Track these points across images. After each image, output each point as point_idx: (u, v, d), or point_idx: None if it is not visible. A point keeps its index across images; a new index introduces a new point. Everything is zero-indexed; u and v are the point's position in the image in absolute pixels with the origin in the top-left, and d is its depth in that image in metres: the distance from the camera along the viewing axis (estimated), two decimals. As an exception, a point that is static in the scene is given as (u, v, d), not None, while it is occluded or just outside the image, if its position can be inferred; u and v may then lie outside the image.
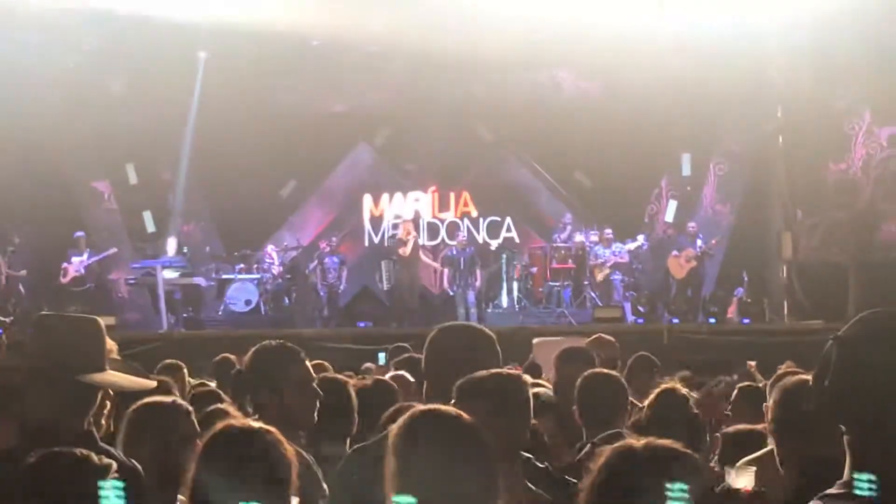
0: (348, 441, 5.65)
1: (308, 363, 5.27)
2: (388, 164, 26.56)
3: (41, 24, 22.49)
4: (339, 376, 6.08)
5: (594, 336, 9.39)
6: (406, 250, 23.14)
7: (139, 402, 4.98)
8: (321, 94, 25.04)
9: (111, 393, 4.99)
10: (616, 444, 3.22)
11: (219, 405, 5.56)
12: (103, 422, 4.82)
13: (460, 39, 22.53)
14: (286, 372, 4.99)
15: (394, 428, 3.39)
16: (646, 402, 6.38)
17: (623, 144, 23.62)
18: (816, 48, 21.67)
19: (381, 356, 12.79)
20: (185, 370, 9.42)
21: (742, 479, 4.17)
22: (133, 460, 4.38)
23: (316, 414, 5.11)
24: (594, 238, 23.71)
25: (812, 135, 22.40)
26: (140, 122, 24.20)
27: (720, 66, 22.21)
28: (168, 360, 9.80)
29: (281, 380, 4.94)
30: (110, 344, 5.48)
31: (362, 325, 23.14)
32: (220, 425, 3.67)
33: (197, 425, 4.82)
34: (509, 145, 26.21)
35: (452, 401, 4.19)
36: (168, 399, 4.87)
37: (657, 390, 6.46)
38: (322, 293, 24.08)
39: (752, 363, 13.99)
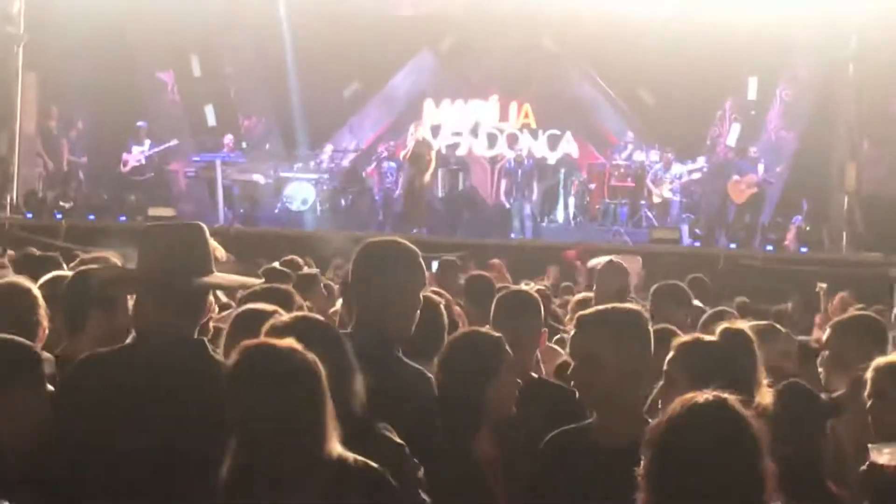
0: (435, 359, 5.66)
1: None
2: (450, 71, 26.39)
3: None
4: (432, 295, 6.02)
5: (606, 259, 9.17)
6: (408, 153, 22.91)
7: (243, 308, 5.01)
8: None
9: (218, 297, 5.06)
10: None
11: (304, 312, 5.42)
12: (210, 326, 4.87)
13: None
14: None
15: None
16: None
17: (689, 64, 23.33)
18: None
19: (434, 265, 12.83)
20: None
21: (886, 454, 4.11)
22: None
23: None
24: (654, 157, 23.57)
25: (884, 66, 22.02)
26: (208, 15, 24.14)
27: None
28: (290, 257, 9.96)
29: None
30: (220, 252, 5.55)
31: (415, 231, 23.13)
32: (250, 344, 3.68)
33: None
34: (574, 58, 25.97)
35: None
36: (269, 308, 4.86)
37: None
38: (378, 197, 24.10)
39: (823, 285, 13.87)
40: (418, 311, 4.70)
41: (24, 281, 5.22)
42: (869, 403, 4.69)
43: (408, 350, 4.73)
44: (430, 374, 4.67)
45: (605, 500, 3.28)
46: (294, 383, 3.53)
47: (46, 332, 5.00)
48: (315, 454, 3.55)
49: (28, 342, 4.01)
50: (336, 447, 3.60)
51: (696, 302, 8.24)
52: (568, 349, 4.46)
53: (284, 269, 9.35)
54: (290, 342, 3.63)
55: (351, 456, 3.64)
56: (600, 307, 4.66)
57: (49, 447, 3.92)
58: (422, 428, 4.33)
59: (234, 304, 6.46)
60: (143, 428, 3.94)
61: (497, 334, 4.94)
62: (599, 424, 4.33)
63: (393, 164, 23.84)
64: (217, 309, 6.38)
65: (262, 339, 3.75)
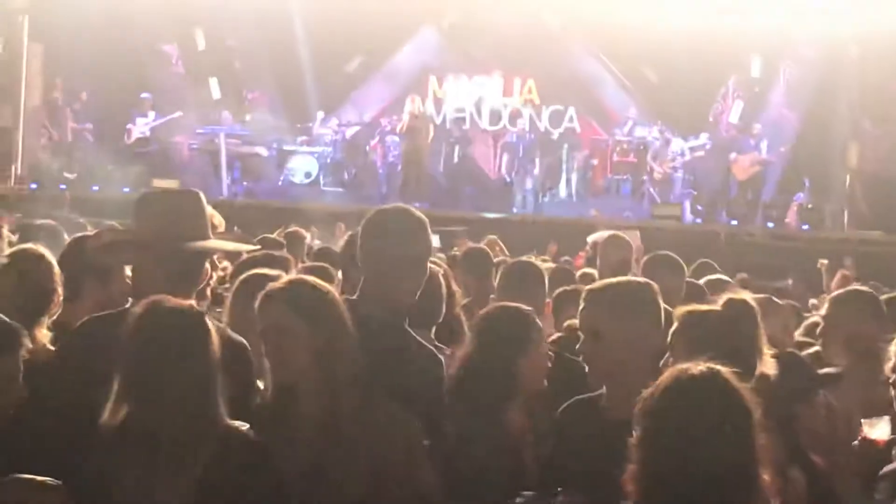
0: (433, 329, 5.68)
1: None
2: (453, 47, 26.38)
3: None
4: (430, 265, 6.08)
5: (609, 233, 9.16)
6: (404, 126, 22.87)
7: (249, 273, 5.05)
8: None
9: (217, 263, 5.11)
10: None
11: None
12: (208, 292, 4.93)
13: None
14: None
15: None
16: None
17: (693, 41, 23.32)
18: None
19: (436, 238, 12.83)
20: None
21: (878, 429, 4.14)
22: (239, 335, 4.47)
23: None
24: (656, 134, 23.60)
25: (887, 46, 22.03)
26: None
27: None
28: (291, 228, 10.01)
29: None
30: (217, 220, 5.59)
31: (417, 205, 23.12)
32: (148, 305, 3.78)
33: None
34: (577, 34, 25.95)
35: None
36: (273, 273, 4.91)
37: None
38: (381, 171, 24.15)
39: (824, 261, 13.91)
40: (423, 281, 4.66)
41: (38, 247, 5.29)
42: (893, 378, 4.66)
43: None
44: (440, 357, 4.65)
45: (612, 471, 3.33)
46: (177, 345, 3.66)
47: (61, 298, 5.07)
48: (193, 419, 3.67)
49: (5, 318, 4.01)
50: (222, 417, 3.71)
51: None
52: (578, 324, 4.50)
53: (278, 238, 9.43)
54: (190, 304, 3.79)
55: (236, 427, 3.75)
56: (607, 281, 4.69)
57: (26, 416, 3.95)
58: (431, 396, 4.36)
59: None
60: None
61: (528, 308, 4.92)
62: (607, 397, 4.38)
63: (396, 139, 23.86)
64: (216, 277, 6.42)
65: (163, 297, 3.82)
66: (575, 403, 4.53)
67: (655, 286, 4.63)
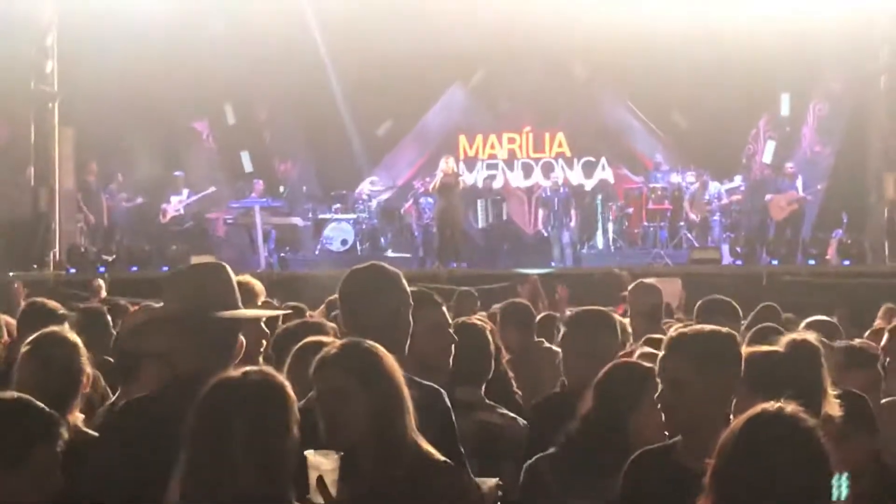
0: (483, 386, 5.65)
1: (444, 308, 5.33)
2: (482, 104, 26.51)
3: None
4: (477, 321, 6.04)
5: (636, 283, 9.08)
6: (436, 185, 22.82)
7: (302, 342, 5.01)
8: (417, 35, 24.93)
9: (265, 331, 5.08)
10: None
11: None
12: (260, 361, 4.90)
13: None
14: (420, 316, 4.95)
15: None
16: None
17: (721, 84, 23.33)
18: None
19: (474, 297, 12.77)
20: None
21: None
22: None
23: (451, 359, 5.17)
24: (690, 178, 23.55)
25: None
26: (239, 63, 24.33)
27: (822, 5, 21.87)
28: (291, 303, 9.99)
29: (415, 324, 4.86)
30: (259, 288, 5.59)
31: (454, 265, 23.04)
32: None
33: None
34: (604, 84, 26.02)
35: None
36: (328, 339, 4.89)
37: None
38: (417, 234, 24.18)
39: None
40: (409, 332, 4.73)
41: (62, 330, 5.29)
42: None
43: (455, 375, 4.76)
44: (440, 389, 4.68)
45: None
46: (257, 417, 3.56)
47: (90, 378, 5.06)
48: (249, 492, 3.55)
49: (43, 406, 3.97)
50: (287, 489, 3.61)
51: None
52: (657, 371, 4.44)
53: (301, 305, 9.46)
54: (268, 371, 3.72)
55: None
56: (691, 329, 4.57)
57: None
58: (442, 441, 4.31)
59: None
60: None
61: (648, 365, 4.82)
62: (683, 445, 4.29)
63: (430, 200, 23.88)
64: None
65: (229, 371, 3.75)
66: (646, 453, 4.44)
67: (738, 337, 4.56)
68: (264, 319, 5.14)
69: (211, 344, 4.32)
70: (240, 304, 4.50)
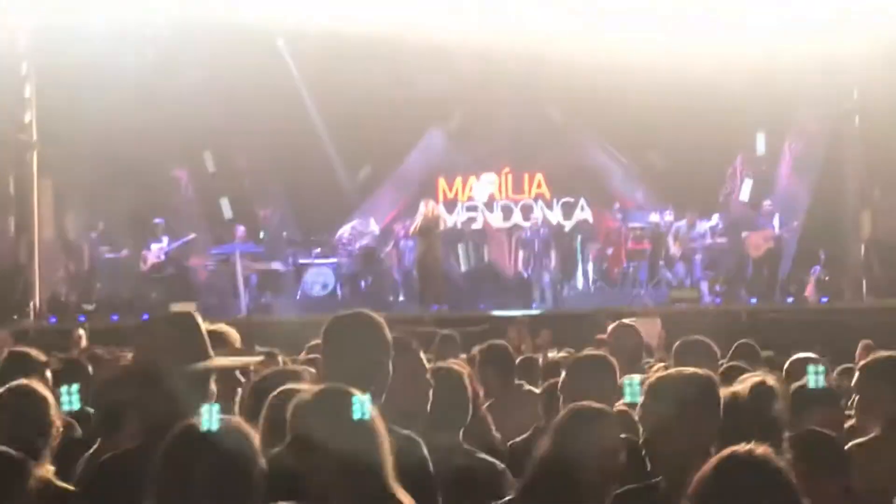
0: (461, 431, 5.67)
1: (421, 353, 5.36)
2: (460, 147, 26.56)
3: (118, 14, 22.69)
4: (454, 365, 6.08)
5: (615, 323, 9.12)
6: (416, 228, 22.89)
7: (278, 390, 5.02)
8: (394, 80, 25.04)
9: (239, 380, 5.11)
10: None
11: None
12: (235, 409, 4.92)
13: (528, 25, 22.59)
14: (397, 362, 4.95)
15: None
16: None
17: (697, 123, 23.42)
18: (892, 30, 21.35)
19: (456, 339, 12.78)
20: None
21: None
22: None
23: (429, 405, 5.21)
24: (668, 218, 23.65)
25: (889, 115, 22.10)
26: (217, 110, 24.39)
27: (795, 45, 22.05)
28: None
29: (393, 371, 4.89)
30: (233, 336, 5.61)
31: (435, 308, 23.08)
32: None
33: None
34: (581, 126, 26.14)
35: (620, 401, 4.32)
36: (305, 386, 4.90)
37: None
38: (397, 277, 24.21)
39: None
40: (388, 381, 4.76)
41: (34, 383, 5.33)
42: None
43: (433, 421, 4.78)
44: (417, 439, 4.70)
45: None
46: (222, 467, 3.57)
47: (60, 430, 5.09)
48: None
49: (14, 453, 3.98)
50: None
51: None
52: (637, 415, 4.50)
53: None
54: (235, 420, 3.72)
55: None
56: (671, 373, 4.68)
57: None
58: (420, 491, 4.28)
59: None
60: None
61: (601, 407, 4.80)
62: (666, 486, 4.37)
63: (410, 243, 23.93)
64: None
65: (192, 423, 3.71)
66: (629, 492, 4.51)
67: (716, 378, 4.65)
68: (237, 368, 5.16)
69: (182, 396, 4.30)
70: (210, 352, 4.51)
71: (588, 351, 8.24)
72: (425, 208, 22.79)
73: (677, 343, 8.02)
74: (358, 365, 4.68)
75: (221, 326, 5.64)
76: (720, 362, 8.06)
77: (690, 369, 4.63)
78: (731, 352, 9.01)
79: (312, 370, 6.89)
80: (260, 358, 6.25)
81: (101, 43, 22.67)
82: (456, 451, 5.60)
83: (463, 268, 24.84)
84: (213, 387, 4.44)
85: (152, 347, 4.42)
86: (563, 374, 6.26)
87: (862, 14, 22.20)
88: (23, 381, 5.37)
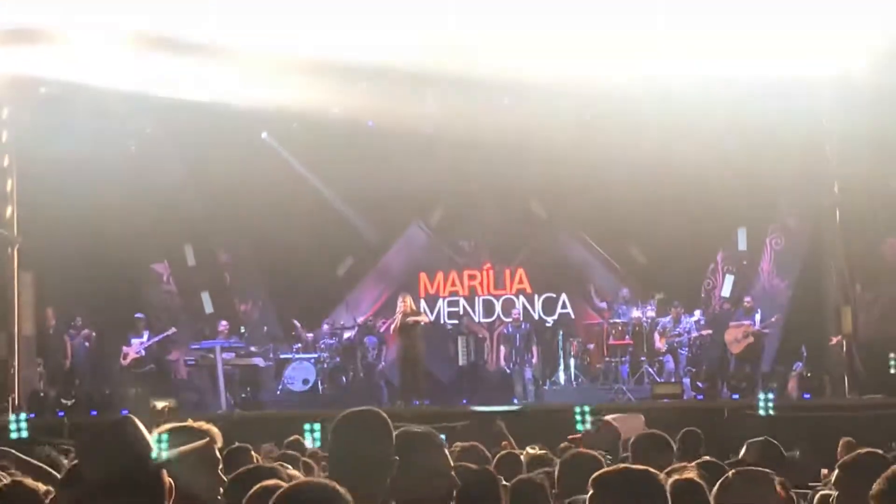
0: None
1: (445, 450, 5.32)
2: (442, 242, 26.68)
3: (100, 109, 22.77)
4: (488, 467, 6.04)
5: (593, 419, 9.24)
6: (397, 326, 22.92)
7: (257, 487, 4.96)
8: (376, 174, 25.14)
9: (222, 478, 5.04)
10: None
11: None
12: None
13: (512, 119, 22.76)
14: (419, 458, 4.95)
15: None
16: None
17: (678, 220, 23.61)
18: (872, 125, 21.54)
19: (442, 437, 12.75)
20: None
21: None
22: None
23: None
24: (651, 313, 23.69)
25: (869, 210, 22.28)
26: (198, 205, 24.46)
27: (775, 143, 22.28)
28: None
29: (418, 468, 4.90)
30: (215, 432, 5.53)
31: (417, 403, 22.94)
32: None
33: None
34: (563, 222, 26.28)
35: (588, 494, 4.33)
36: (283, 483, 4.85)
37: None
38: (379, 372, 24.18)
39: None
40: (389, 479, 4.70)
41: (27, 481, 5.26)
42: None
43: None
44: None
45: None
46: None
47: None
48: None
49: None
50: None
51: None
52: None
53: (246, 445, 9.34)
54: None
55: None
56: (615, 468, 4.71)
57: None
58: None
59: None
60: None
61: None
62: None
63: (392, 338, 23.92)
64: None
65: None
66: None
67: (658, 475, 4.63)
68: (220, 466, 5.10)
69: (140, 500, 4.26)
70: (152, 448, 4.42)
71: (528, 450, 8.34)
72: (402, 304, 22.80)
73: (633, 438, 8.10)
74: (365, 463, 4.64)
75: (202, 424, 5.57)
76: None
77: (636, 466, 4.68)
78: (677, 442, 9.05)
79: (290, 467, 6.84)
80: (204, 440, 6.13)
81: (82, 137, 22.75)
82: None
83: (461, 363, 24.79)
84: (167, 481, 4.37)
85: (100, 458, 4.33)
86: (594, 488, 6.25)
87: (838, 111, 22.39)
88: (22, 479, 5.30)
